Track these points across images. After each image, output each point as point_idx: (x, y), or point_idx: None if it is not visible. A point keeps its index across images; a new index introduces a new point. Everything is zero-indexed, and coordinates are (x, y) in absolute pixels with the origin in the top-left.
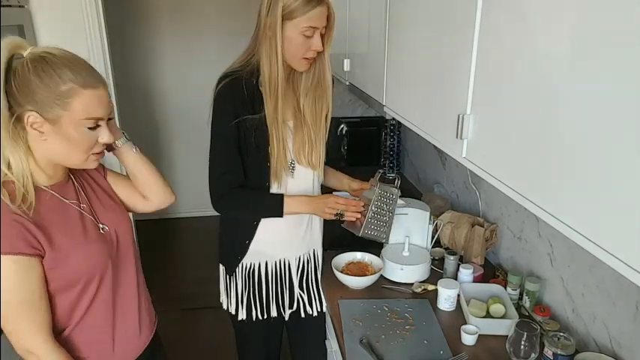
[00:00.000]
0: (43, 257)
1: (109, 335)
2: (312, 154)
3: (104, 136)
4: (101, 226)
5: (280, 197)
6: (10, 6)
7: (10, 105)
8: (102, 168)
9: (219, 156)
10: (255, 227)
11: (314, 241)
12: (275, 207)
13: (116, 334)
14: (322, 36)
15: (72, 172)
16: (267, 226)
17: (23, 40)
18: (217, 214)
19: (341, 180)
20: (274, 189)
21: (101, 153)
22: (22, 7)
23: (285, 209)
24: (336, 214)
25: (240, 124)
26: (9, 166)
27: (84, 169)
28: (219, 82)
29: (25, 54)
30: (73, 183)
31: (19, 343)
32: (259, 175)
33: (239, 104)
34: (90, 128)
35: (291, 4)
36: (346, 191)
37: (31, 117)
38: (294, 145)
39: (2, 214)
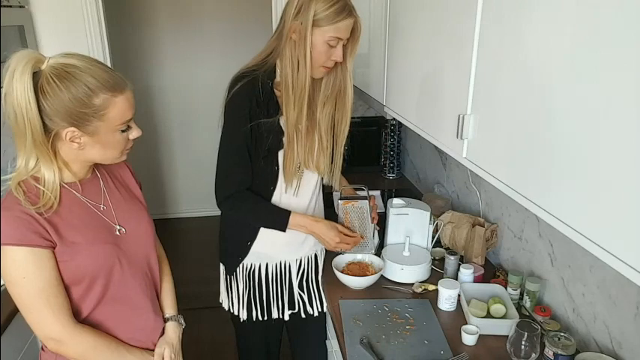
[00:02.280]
0: (54, 248)
1: (119, 333)
2: (320, 159)
3: (135, 133)
4: (118, 227)
5: (287, 214)
6: (10, 6)
7: (44, 123)
8: (128, 167)
9: (231, 156)
10: (257, 228)
11: (315, 245)
12: (280, 222)
13: (125, 334)
14: (344, 47)
15: (99, 170)
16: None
17: (38, 53)
18: (218, 214)
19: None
20: (281, 191)
21: (131, 146)
22: (23, 7)
23: (289, 226)
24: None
25: (253, 127)
26: (38, 175)
27: (116, 168)
28: (235, 82)
29: (43, 67)
30: (99, 181)
31: (40, 330)
32: (266, 178)
33: (255, 107)
34: (123, 130)
35: (322, 12)
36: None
37: (69, 133)
38: (303, 148)
39: (11, 208)
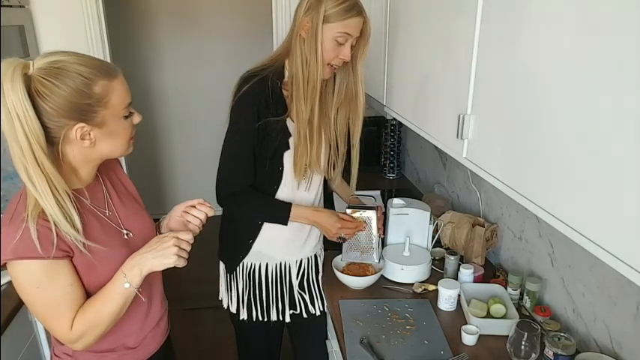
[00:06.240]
0: (72, 257)
1: (128, 334)
2: (330, 162)
3: (137, 118)
4: (125, 232)
5: (288, 206)
6: (10, 6)
7: (47, 132)
8: (120, 164)
9: (235, 156)
10: (259, 227)
11: (315, 246)
12: (282, 215)
13: (132, 334)
14: (353, 48)
15: (99, 173)
16: (270, 227)
17: (20, 59)
18: (218, 214)
19: (345, 193)
20: (285, 189)
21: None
22: (23, 7)
23: (291, 218)
24: (338, 238)
25: (261, 126)
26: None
27: (111, 170)
28: (244, 82)
29: (30, 72)
30: (102, 186)
31: (54, 334)
32: (269, 178)
33: (264, 107)
34: (125, 116)
35: (331, 8)
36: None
37: (79, 130)
38: (313, 149)
39: (24, 220)
